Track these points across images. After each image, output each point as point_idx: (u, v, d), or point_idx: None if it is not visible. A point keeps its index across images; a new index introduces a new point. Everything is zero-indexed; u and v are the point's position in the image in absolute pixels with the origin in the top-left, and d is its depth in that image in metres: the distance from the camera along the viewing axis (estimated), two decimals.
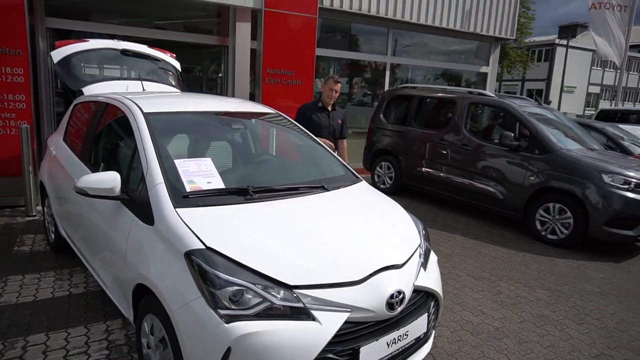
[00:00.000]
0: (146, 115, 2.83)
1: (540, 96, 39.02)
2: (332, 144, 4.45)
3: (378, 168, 7.82)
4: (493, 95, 6.58)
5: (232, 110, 3.30)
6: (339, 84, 4.53)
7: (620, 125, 9.46)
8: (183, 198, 2.34)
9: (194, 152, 2.90)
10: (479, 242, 5.33)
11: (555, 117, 6.51)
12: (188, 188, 2.41)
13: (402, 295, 2.13)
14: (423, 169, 6.98)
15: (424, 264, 2.48)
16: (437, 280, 2.53)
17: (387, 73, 9.61)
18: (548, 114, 6.50)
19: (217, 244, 2.02)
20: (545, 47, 41.00)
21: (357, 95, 10.63)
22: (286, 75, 6.92)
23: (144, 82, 4.32)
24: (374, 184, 7.93)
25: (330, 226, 2.37)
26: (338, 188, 2.86)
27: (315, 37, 7.12)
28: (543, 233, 5.53)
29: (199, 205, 2.31)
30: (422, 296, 2.37)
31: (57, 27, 6.33)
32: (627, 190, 5.00)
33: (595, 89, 44.40)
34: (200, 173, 2.54)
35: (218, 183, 2.51)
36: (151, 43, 5.11)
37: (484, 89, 10.63)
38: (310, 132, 3.61)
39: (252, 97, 7.44)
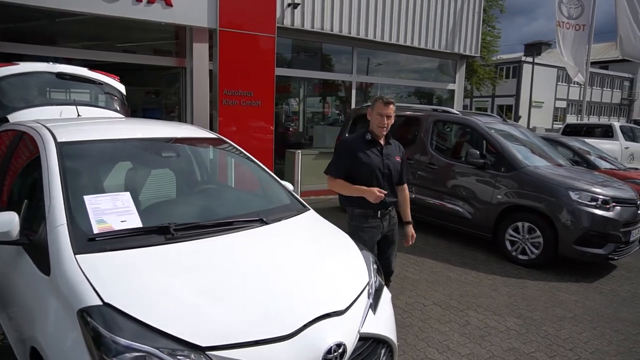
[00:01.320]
0: (59, 145, 2.49)
1: (510, 112, 39.94)
2: (382, 193, 2.99)
3: None
4: (457, 112, 6.46)
5: (166, 136, 2.98)
6: (392, 106, 3.05)
7: (586, 140, 9.52)
8: (88, 241, 2.01)
9: (115, 186, 2.56)
10: (448, 266, 5.09)
11: (520, 134, 6.41)
12: (96, 229, 2.07)
13: (342, 349, 1.83)
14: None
15: (374, 306, 2.19)
16: (389, 324, 2.24)
17: (353, 91, 9.46)
18: (513, 130, 6.41)
19: (118, 299, 1.69)
20: (513, 64, 42.27)
21: (329, 114, 10.46)
22: (245, 96, 6.67)
23: (79, 107, 3.96)
24: (341, 205, 7.66)
25: (262, 269, 2.06)
26: (280, 220, 2.56)
27: (274, 57, 6.92)
28: (514, 253, 5.33)
29: (106, 250, 1.97)
30: (371, 344, 2.07)
31: (10, 52, 5.93)
32: (595, 207, 4.86)
33: (562, 104, 45.79)
34: (115, 210, 2.21)
35: (134, 221, 2.18)
36: (107, 66, 4.82)
37: (452, 106, 10.62)
38: (358, 175, 3.04)
39: (212, 119, 7.13)
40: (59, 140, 2.55)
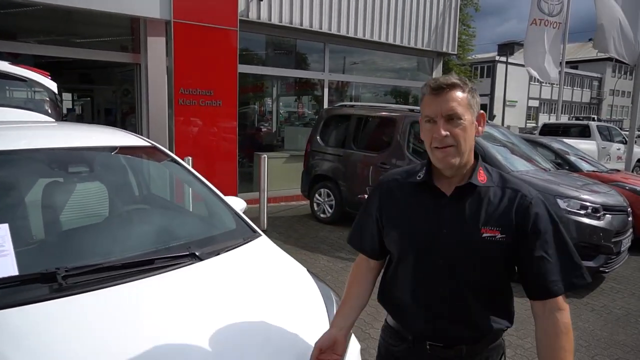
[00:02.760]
0: None
1: (485, 111, 40.25)
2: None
3: (317, 195, 7.04)
4: None
5: (82, 145, 2.37)
6: (455, 93, 1.24)
7: (565, 140, 9.26)
8: None
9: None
10: None
11: (501, 134, 6.02)
12: None
13: None
14: (365, 195, 6.26)
15: None
16: None
17: (326, 90, 8.94)
18: (494, 131, 6.01)
19: None
20: (487, 63, 42.66)
21: (304, 114, 9.92)
22: (204, 95, 6.06)
23: None
24: (313, 213, 7.15)
25: (178, 336, 1.50)
26: (219, 253, 2.00)
27: (236, 53, 6.33)
28: None
29: None
30: None
31: None
32: (585, 216, 4.47)
33: (535, 103, 46.53)
34: None
35: (6, 267, 1.59)
36: (53, 62, 4.16)
37: None
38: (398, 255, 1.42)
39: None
40: None
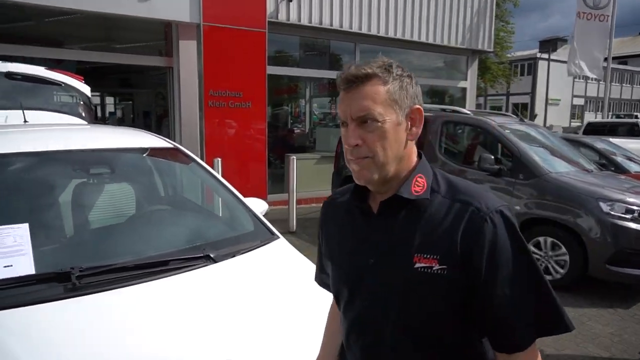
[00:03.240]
0: None
1: (526, 110, 38.88)
2: None
3: None
4: (469, 112, 5.81)
5: (102, 147, 2.41)
6: (364, 88, 0.94)
7: (611, 139, 8.76)
8: None
9: (19, 214, 2.00)
10: None
11: (540, 135, 5.74)
12: None
13: None
14: None
15: None
16: None
17: None
18: (532, 131, 5.74)
19: None
20: (527, 61, 41.15)
21: (336, 116, 9.87)
22: (233, 97, 6.11)
23: (27, 111, 3.43)
24: None
25: (184, 337, 1.47)
26: (234, 255, 1.97)
27: (265, 54, 6.35)
28: None
29: None
30: None
31: None
32: (631, 220, 4.17)
33: (580, 101, 44.47)
34: (1, 250, 1.65)
35: (24, 266, 1.61)
36: (84, 66, 4.31)
37: (464, 105, 9.94)
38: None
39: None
40: None
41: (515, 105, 40.39)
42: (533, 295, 0.91)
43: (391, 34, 8.44)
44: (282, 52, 8.06)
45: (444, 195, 0.97)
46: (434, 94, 10.61)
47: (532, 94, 40.10)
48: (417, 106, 0.98)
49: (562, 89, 40.70)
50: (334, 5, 7.63)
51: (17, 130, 2.62)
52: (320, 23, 7.56)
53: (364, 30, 8.08)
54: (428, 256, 0.92)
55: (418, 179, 0.98)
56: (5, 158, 2.09)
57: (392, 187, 0.98)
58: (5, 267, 1.59)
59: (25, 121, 3.39)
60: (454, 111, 5.91)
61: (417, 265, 0.92)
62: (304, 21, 7.36)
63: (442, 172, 1.03)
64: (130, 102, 12.57)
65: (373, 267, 0.98)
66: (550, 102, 35.94)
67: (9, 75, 3.73)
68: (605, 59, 12.31)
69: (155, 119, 8.27)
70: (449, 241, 0.91)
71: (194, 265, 1.83)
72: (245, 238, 2.17)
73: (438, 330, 0.94)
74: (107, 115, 13.50)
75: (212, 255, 1.90)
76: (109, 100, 13.95)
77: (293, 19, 7.25)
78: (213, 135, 6.15)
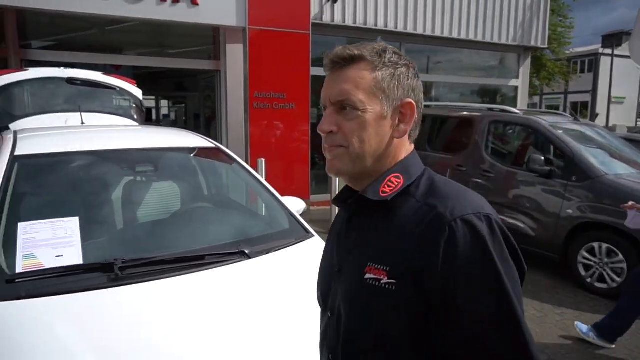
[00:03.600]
0: (14, 159, 2.13)
1: (586, 109, 36.73)
2: None
3: None
4: (518, 111, 5.58)
5: (150, 146, 2.54)
6: (347, 72, 0.86)
7: None
8: (7, 284, 1.59)
9: (71, 208, 2.15)
10: None
11: (597, 135, 5.41)
12: (20, 267, 1.65)
13: None
14: None
15: None
16: None
17: None
18: (588, 131, 5.42)
19: None
20: (588, 57, 38.79)
21: None
22: (277, 98, 6.22)
23: (84, 114, 3.68)
24: None
25: (214, 327, 1.52)
26: (268, 252, 2.02)
27: (309, 56, 6.42)
28: (589, 280, 4.41)
29: (21, 297, 1.54)
30: None
31: (35, 59, 5.95)
32: None
33: None
34: (53, 242, 1.78)
35: (73, 257, 1.74)
36: (141, 71, 4.59)
37: (516, 105, 9.54)
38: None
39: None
40: (17, 152, 2.19)
41: (575, 104, 38.22)
42: (495, 338, 0.70)
43: (438, 33, 8.26)
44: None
45: (418, 198, 0.81)
46: (484, 94, 10.26)
47: (594, 92, 37.76)
48: (409, 100, 0.85)
49: (627, 86, 38.05)
50: (379, 5, 7.58)
51: (75, 131, 2.81)
52: (365, 23, 7.53)
53: (410, 30, 7.97)
54: (379, 267, 0.78)
55: (392, 178, 0.84)
56: (63, 157, 2.26)
57: (365, 185, 0.87)
58: (57, 257, 1.72)
59: (82, 123, 3.64)
60: (502, 110, 5.69)
61: (367, 276, 0.79)
62: (349, 22, 7.37)
63: (435, 174, 0.87)
64: (183, 105, 13.11)
65: (338, 275, 0.89)
66: (613, 100, 33.68)
67: (70, 80, 4.01)
68: None
69: (205, 121, 8.58)
70: (402, 251, 0.76)
71: (229, 260, 1.89)
72: (280, 236, 2.21)
73: (391, 358, 0.77)
74: (161, 117, 14.16)
75: (246, 252, 1.95)
76: (163, 103, 14.64)
77: (337, 20, 7.27)
78: (257, 137, 6.29)
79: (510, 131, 6.07)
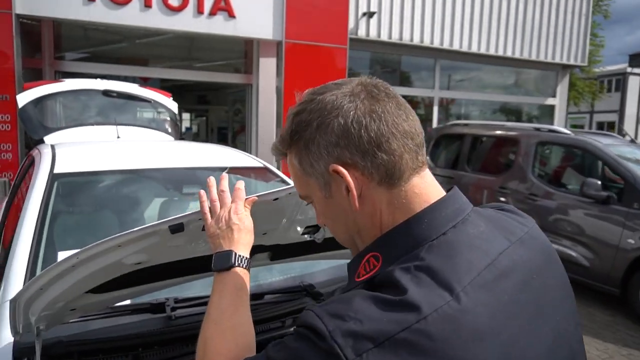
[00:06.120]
0: (53, 178, 1.94)
1: (612, 129, 35.91)
2: None
3: None
4: (568, 131, 5.26)
5: (193, 165, 2.33)
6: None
7: None
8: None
9: (114, 233, 1.93)
10: None
11: None
12: None
13: None
14: None
15: None
16: None
17: (435, 108, 8.49)
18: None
19: None
20: (616, 76, 38.00)
21: None
22: None
23: (120, 127, 3.52)
24: None
25: None
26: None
27: (346, 71, 6.24)
28: None
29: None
30: None
31: (68, 71, 5.91)
32: None
33: None
34: None
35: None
36: (166, 84, 4.49)
37: (551, 124, 9.19)
38: None
39: None
40: (56, 170, 2.00)
41: (600, 124, 37.35)
42: None
43: (474, 49, 8.02)
44: (360, 68, 7.93)
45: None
46: (519, 112, 9.94)
47: (621, 111, 36.89)
48: (333, 165, 0.66)
49: None
50: (414, 20, 7.39)
51: (115, 146, 2.64)
52: (401, 39, 7.35)
53: (446, 46, 7.75)
54: None
55: (371, 259, 0.67)
56: (105, 175, 2.07)
57: None
58: None
59: (118, 137, 3.49)
60: (550, 130, 5.38)
61: None
62: (384, 37, 7.19)
63: (418, 270, 0.60)
64: (204, 117, 13.12)
65: None
66: None
67: (106, 92, 3.88)
68: None
69: (232, 134, 8.46)
70: None
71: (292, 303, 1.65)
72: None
73: None
74: (183, 130, 14.18)
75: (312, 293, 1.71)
76: (185, 116, 14.69)
77: (373, 35, 7.10)
78: None
79: (561, 153, 5.73)
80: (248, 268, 0.88)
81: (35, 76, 5.33)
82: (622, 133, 5.88)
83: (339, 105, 0.65)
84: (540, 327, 0.65)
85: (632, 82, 35.35)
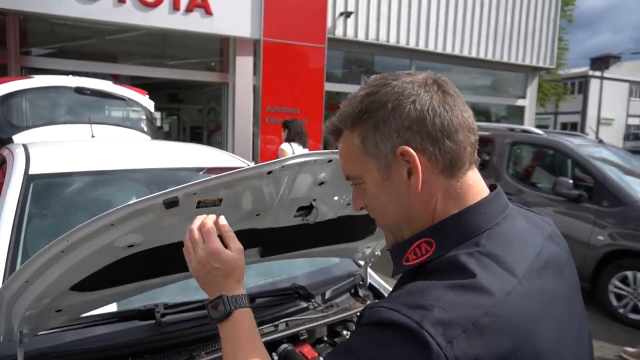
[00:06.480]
0: (29, 179, 1.84)
1: (575, 129, 37.33)
2: None
3: None
4: (541, 132, 5.42)
5: (176, 166, 2.27)
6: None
7: None
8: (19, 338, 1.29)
9: None
10: None
11: (620, 158, 5.26)
12: None
13: None
14: None
15: None
16: None
17: None
18: (611, 153, 5.27)
19: None
20: (578, 79, 39.57)
21: None
22: (290, 113, 6.00)
23: (94, 126, 3.39)
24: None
25: None
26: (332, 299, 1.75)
27: (324, 70, 6.23)
28: (621, 310, 4.21)
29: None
30: None
31: (35, 67, 5.66)
32: None
33: (635, 121, 42.23)
34: None
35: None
36: (137, 82, 4.35)
37: (522, 124, 9.46)
38: None
39: (254, 138, 6.53)
40: (32, 171, 1.90)
41: (564, 124, 38.76)
42: None
43: (448, 51, 8.16)
44: (335, 68, 7.94)
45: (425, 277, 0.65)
46: (489, 113, 10.19)
47: (583, 113, 38.40)
48: (403, 147, 0.67)
49: (615, 108, 38.80)
50: (391, 21, 7.46)
51: (92, 146, 2.53)
52: (377, 39, 7.40)
53: (421, 47, 7.86)
54: None
55: (423, 244, 0.70)
56: (84, 176, 1.98)
57: None
58: None
59: (92, 136, 3.36)
60: (524, 131, 5.52)
61: None
62: (361, 37, 7.22)
63: (482, 255, 0.64)
64: (176, 116, 12.87)
65: None
66: (602, 121, 34.26)
67: (79, 90, 3.74)
68: None
69: (207, 133, 8.31)
70: None
71: (287, 306, 1.62)
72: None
73: None
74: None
75: (304, 294, 1.68)
76: (156, 115, 14.36)
77: (350, 34, 7.12)
78: (269, 152, 6.05)
79: (534, 152, 5.90)
80: (247, 305, 0.83)
81: (2, 73, 5.09)
82: (596, 134, 6.09)
83: (415, 92, 0.68)
84: (573, 314, 0.72)
85: (594, 85, 36.86)
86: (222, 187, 1.04)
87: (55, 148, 2.35)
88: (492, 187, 0.76)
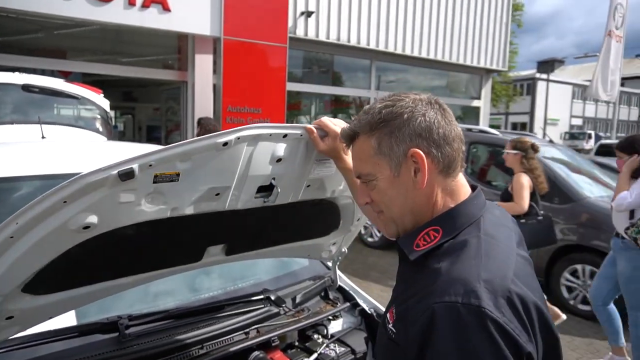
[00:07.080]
0: None
1: (525, 129, 39.12)
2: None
3: None
4: (497, 132, 5.62)
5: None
6: None
7: None
8: None
9: None
10: None
11: (569, 157, 5.55)
12: None
13: None
14: None
15: None
16: None
17: None
18: (561, 152, 5.55)
19: None
20: (527, 81, 41.55)
21: None
22: (252, 113, 5.92)
23: (44, 126, 3.19)
24: (359, 236, 6.81)
25: None
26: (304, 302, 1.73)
27: (286, 69, 6.19)
28: (572, 302, 4.43)
29: None
30: None
31: (6, 65, 5.27)
32: None
33: (578, 121, 44.89)
34: None
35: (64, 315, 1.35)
36: (89, 79, 4.14)
37: (477, 124, 9.80)
38: None
39: None
40: None
41: (514, 124, 40.59)
42: None
43: (408, 52, 8.33)
44: (296, 67, 7.91)
45: (440, 259, 0.79)
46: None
47: (531, 113, 40.34)
48: (414, 150, 0.83)
49: (560, 109, 41.05)
50: (351, 21, 7.51)
51: (42, 148, 2.38)
52: (338, 39, 7.43)
53: (381, 48, 7.97)
54: (394, 311, 0.84)
55: (431, 232, 0.85)
56: (36, 180, 1.85)
57: None
58: None
59: (43, 137, 3.17)
60: (481, 131, 5.72)
61: (387, 317, 0.86)
62: (322, 37, 7.23)
63: (485, 236, 0.81)
64: (130, 115, 12.40)
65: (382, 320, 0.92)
66: (549, 122, 36.13)
67: (26, 87, 3.51)
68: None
69: (165, 133, 8.06)
70: (406, 308, 0.80)
71: (256, 313, 1.59)
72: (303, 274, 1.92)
73: None
74: None
75: (272, 297, 1.65)
76: (111, 114, 13.77)
77: (311, 34, 7.11)
78: None
79: (486, 152, 6.11)
80: None
81: None
82: (544, 134, 6.39)
83: (424, 107, 0.86)
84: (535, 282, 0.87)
85: (540, 87, 38.80)
86: (178, 159, 1.00)
87: (1, 150, 2.18)
88: (473, 187, 0.92)
